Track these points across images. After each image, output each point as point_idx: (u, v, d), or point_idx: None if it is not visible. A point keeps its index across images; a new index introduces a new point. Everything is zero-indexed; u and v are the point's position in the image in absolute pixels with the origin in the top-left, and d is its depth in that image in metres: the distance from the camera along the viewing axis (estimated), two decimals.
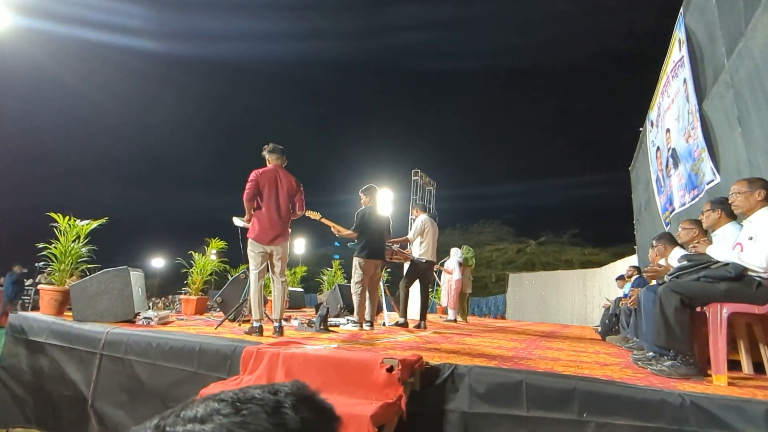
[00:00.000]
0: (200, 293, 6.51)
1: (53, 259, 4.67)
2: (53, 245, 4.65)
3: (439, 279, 9.10)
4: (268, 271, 4.23)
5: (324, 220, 5.15)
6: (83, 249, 4.79)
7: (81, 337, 3.74)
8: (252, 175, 4.11)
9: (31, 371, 4.01)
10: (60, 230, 4.69)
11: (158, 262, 30.65)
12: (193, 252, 6.45)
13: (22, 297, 12.23)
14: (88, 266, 4.89)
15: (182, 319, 5.30)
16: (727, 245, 2.85)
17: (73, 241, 4.73)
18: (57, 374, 3.80)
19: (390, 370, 2.20)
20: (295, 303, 8.93)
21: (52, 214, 4.69)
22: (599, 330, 6.70)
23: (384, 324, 5.88)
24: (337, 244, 5.61)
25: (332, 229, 5.22)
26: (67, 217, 4.72)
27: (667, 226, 6.82)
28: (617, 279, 8.18)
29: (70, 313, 4.40)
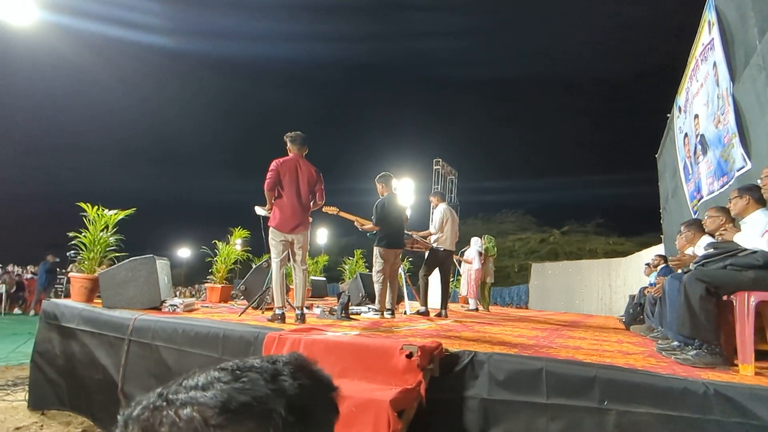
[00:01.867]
0: (224, 282, 6.65)
1: (83, 247, 4.81)
2: (83, 234, 4.80)
3: (460, 268, 9.07)
4: (289, 259, 4.28)
5: (342, 214, 5.17)
6: (111, 238, 4.93)
7: (110, 323, 3.87)
8: (272, 165, 4.16)
9: (64, 356, 4.17)
10: (89, 220, 4.83)
11: (184, 252, 31.29)
12: (217, 241, 6.57)
13: (56, 285, 12.69)
14: (117, 255, 5.04)
15: (207, 307, 5.42)
16: (755, 232, 2.77)
17: (102, 230, 4.87)
18: (88, 359, 3.95)
19: (409, 356, 2.22)
20: (317, 292, 9.03)
21: (82, 204, 4.83)
22: (623, 320, 6.60)
23: (405, 313, 5.91)
24: (369, 234, 5.56)
25: (355, 223, 5.24)
26: (96, 207, 4.86)
27: (695, 214, 6.64)
28: (646, 264, 7.97)
29: (100, 300, 4.55)
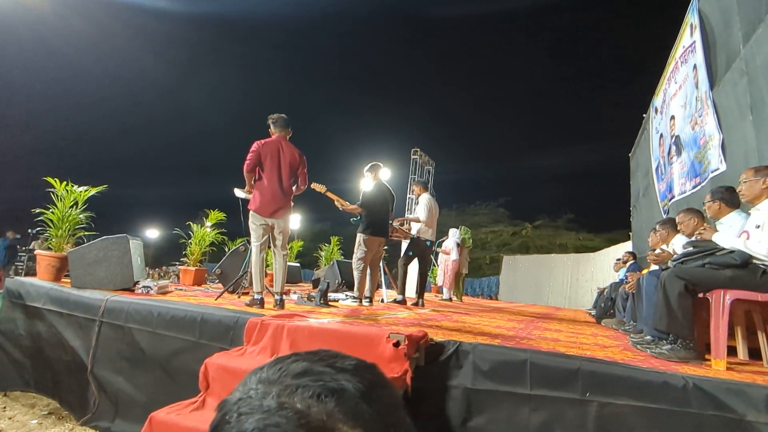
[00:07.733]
0: (198, 264, 6.50)
1: (50, 225, 4.60)
2: (51, 211, 4.58)
3: (436, 259, 9.13)
4: (269, 244, 4.20)
5: (329, 194, 5.09)
6: (81, 216, 4.73)
7: (80, 304, 3.72)
8: (254, 146, 4.05)
9: (29, 336, 4.01)
10: (57, 196, 4.62)
11: (152, 233, 30.46)
12: (191, 223, 6.40)
13: (15, 263, 12.18)
14: (86, 233, 4.84)
15: (181, 290, 5.29)
16: (732, 233, 2.86)
17: (71, 207, 4.67)
18: (56, 340, 3.80)
19: (396, 345, 2.21)
20: (291, 278, 8.94)
21: (49, 179, 4.61)
22: (593, 313, 6.78)
23: (382, 300, 5.91)
24: (353, 220, 5.53)
25: (336, 203, 5.17)
26: (65, 183, 4.65)
27: (665, 213, 6.85)
28: (616, 260, 8.22)
29: (68, 280, 4.38)
